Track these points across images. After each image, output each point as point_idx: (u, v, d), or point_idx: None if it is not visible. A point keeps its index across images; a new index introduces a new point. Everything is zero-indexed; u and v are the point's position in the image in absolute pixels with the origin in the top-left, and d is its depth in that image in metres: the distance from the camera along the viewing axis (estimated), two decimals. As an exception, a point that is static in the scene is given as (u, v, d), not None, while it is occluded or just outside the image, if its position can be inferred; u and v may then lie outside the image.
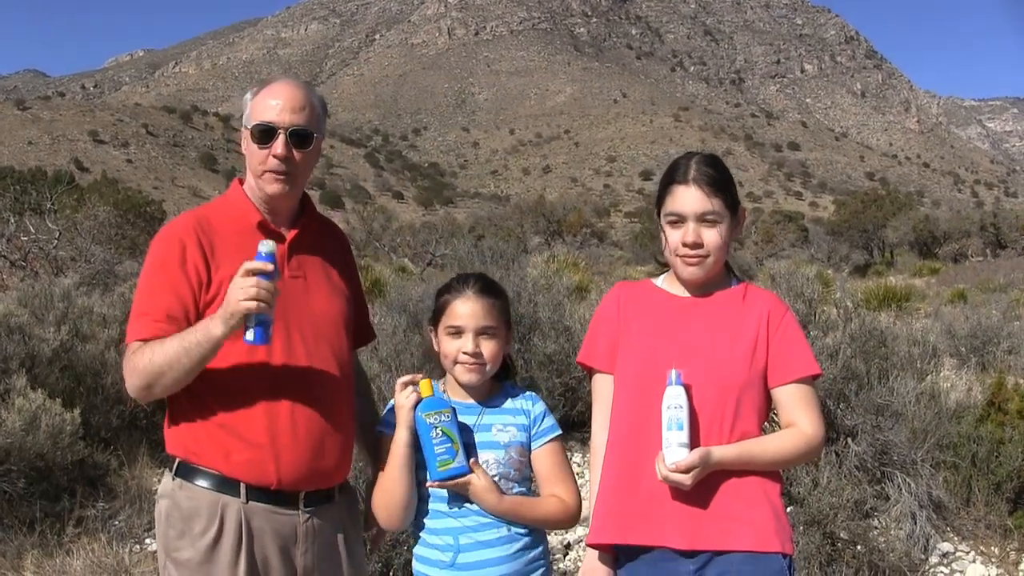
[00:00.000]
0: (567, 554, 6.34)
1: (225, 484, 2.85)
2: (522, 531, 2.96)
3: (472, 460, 2.89)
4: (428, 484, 2.89)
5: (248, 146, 2.97)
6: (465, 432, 2.93)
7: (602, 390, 3.04)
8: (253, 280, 2.61)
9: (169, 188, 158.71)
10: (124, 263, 18.48)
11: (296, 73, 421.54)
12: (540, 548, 3.01)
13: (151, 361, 2.72)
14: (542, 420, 3.07)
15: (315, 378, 2.93)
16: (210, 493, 2.85)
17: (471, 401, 3.04)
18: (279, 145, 2.89)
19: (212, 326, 2.67)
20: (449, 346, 3.01)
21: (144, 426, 7.89)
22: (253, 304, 2.60)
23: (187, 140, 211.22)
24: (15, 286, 12.54)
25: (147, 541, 6.40)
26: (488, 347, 3.00)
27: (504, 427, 3.01)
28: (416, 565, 3.00)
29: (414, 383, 2.93)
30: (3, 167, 67.63)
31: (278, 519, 2.89)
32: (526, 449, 3.03)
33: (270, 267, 2.64)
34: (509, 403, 3.08)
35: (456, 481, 2.86)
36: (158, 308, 2.82)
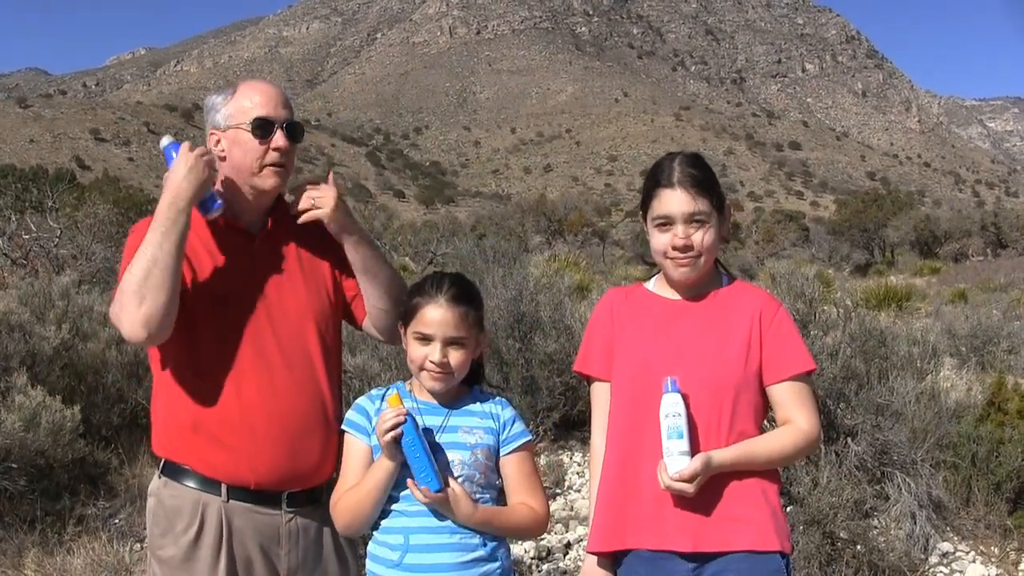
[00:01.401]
0: (567, 553, 6.34)
1: (207, 483, 2.86)
2: (476, 542, 2.86)
3: (446, 473, 2.82)
4: (427, 498, 2.77)
5: (242, 143, 2.92)
6: (435, 450, 2.85)
7: (600, 396, 3.04)
8: (195, 153, 2.81)
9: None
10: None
11: (297, 72, 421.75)
12: (498, 564, 2.90)
13: (132, 272, 2.72)
14: (511, 425, 2.98)
15: (290, 378, 2.91)
16: (193, 491, 2.87)
17: (437, 403, 2.97)
18: (280, 138, 2.91)
19: (179, 194, 2.77)
20: (416, 351, 2.91)
21: (144, 424, 7.84)
22: (205, 173, 2.80)
23: (188, 138, 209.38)
24: (16, 284, 12.54)
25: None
26: (456, 357, 2.90)
27: (471, 429, 2.93)
28: (368, 563, 2.93)
29: (387, 403, 2.83)
30: (4, 165, 67.70)
31: (259, 519, 2.90)
32: (493, 454, 2.95)
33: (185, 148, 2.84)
34: (477, 406, 2.99)
35: (440, 495, 2.77)
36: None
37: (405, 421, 2.77)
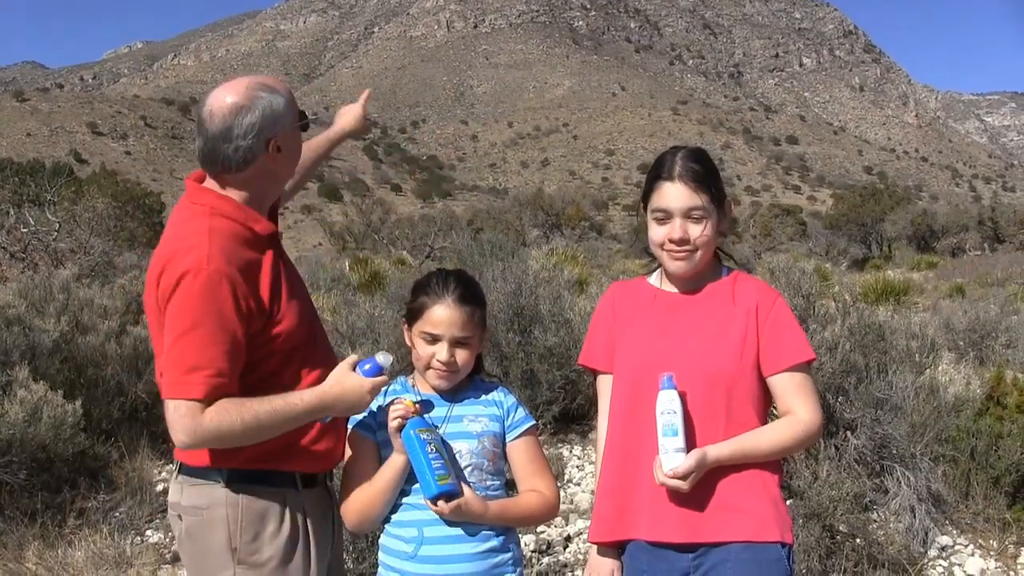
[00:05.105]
0: (567, 546, 6.35)
1: (283, 478, 2.87)
2: (489, 532, 2.90)
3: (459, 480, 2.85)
4: (425, 500, 2.82)
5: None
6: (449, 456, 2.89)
7: (604, 389, 3.05)
8: (370, 397, 2.82)
9: (167, 180, 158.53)
10: (123, 255, 18.47)
11: (294, 65, 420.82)
12: (510, 554, 2.94)
13: (245, 422, 2.66)
14: (515, 411, 3.03)
15: (334, 364, 2.96)
16: (273, 491, 2.86)
17: (439, 395, 3.01)
18: None
19: (327, 410, 2.81)
20: (423, 350, 2.95)
21: (144, 418, 7.90)
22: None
23: (185, 132, 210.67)
24: (15, 278, 12.54)
25: (148, 533, 6.42)
26: (462, 355, 2.95)
27: (476, 418, 2.97)
28: (381, 555, 2.97)
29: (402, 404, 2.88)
30: (2, 159, 67.50)
31: (320, 501, 2.99)
32: (499, 440, 2.99)
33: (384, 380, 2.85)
34: (480, 395, 3.04)
35: (450, 504, 2.79)
36: (216, 360, 2.67)
37: (410, 417, 2.83)
